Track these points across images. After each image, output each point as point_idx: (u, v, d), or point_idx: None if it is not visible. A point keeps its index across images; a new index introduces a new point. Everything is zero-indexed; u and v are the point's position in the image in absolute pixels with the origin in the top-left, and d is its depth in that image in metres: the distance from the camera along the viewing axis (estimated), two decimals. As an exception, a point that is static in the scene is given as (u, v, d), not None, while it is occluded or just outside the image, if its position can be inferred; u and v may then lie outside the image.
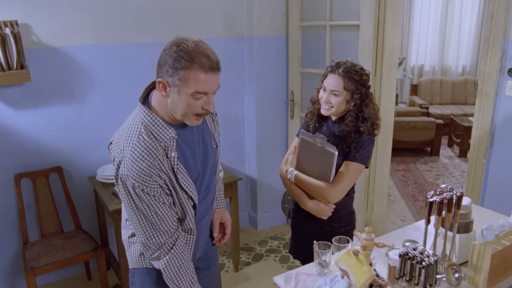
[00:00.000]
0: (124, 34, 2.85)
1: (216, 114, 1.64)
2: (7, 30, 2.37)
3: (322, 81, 1.86)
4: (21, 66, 2.44)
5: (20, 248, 2.79)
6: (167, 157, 1.35)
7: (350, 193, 1.94)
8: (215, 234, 1.76)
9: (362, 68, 1.81)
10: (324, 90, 1.84)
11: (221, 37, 3.25)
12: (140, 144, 1.32)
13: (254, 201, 3.68)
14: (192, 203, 1.47)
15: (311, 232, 1.97)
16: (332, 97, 1.81)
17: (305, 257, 1.98)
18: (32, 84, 2.62)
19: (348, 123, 1.81)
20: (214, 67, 1.30)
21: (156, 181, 1.33)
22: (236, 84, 3.43)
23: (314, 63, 3.29)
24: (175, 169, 1.37)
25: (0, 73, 2.36)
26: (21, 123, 2.67)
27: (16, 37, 2.40)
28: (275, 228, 3.74)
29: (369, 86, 1.84)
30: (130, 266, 1.59)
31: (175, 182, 1.39)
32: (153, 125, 1.35)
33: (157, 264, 1.44)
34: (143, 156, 1.31)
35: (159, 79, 1.31)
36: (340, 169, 1.82)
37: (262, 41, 3.30)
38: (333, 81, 1.80)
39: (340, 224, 1.93)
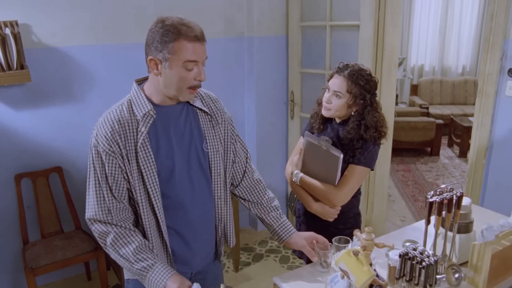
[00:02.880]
0: (124, 34, 2.85)
1: (213, 116, 1.53)
2: (7, 31, 2.37)
3: (327, 81, 1.84)
4: (21, 66, 2.44)
5: (20, 248, 2.79)
6: (137, 132, 1.37)
7: (357, 195, 1.93)
8: (314, 259, 1.60)
9: (370, 74, 1.78)
10: (328, 90, 1.82)
11: (221, 37, 3.25)
12: (116, 112, 1.39)
13: (254, 201, 3.68)
14: (147, 197, 1.40)
15: (316, 232, 1.97)
16: (333, 98, 1.79)
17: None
18: (32, 84, 2.62)
19: (349, 130, 1.78)
20: (200, 37, 1.34)
21: (113, 150, 1.35)
22: (236, 84, 3.43)
23: (314, 63, 3.29)
24: (139, 144, 1.36)
25: (0, 73, 2.36)
26: (21, 123, 2.67)
27: (16, 37, 2.40)
28: (275, 228, 3.73)
29: (375, 94, 1.81)
30: (126, 277, 1.57)
31: (134, 161, 1.37)
32: (136, 99, 1.41)
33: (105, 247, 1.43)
34: (112, 122, 1.37)
35: (150, 57, 1.36)
36: (345, 173, 1.81)
37: (262, 41, 3.30)
38: (337, 82, 1.78)
39: (345, 226, 1.91)
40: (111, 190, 1.38)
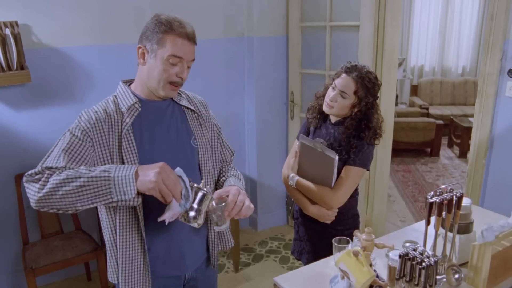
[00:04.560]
0: (124, 34, 2.85)
1: (200, 115, 1.54)
2: (7, 31, 2.37)
3: (334, 79, 1.83)
4: (21, 67, 2.44)
5: (20, 249, 2.79)
6: (121, 123, 1.37)
7: (354, 196, 1.93)
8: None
9: (376, 78, 1.80)
10: (334, 88, 1.82)
11: (221, 38, 3.25)
12: (102, 104, 1.41)
13: (254, 202, 3.68)
14: None
15: (314, 234, 1.96)
16: (339, 97, 1.79)
17: (308, 258, 1.98)
18: (32, 84, 2.62)
19: (348, 126, 1.79)
20: (190, 36, 1.37)
21: (91, 130, 1.32)
22: (236, 85, 3.43)
23: (314, 64, 3.29)
24: (123, 135, 1.35)
25: (0, 73, 2.36)
26: (21, 123, 2.67)
27: (16, 38, 2.40)
28: (275, 229, 3.74)
29: (377, 97, 1.83)
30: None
31: (116, 151, 1.35)
32: (121, 94, 1.43)
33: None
34: (98, 109, 1.38)
35: (139, 45, 1.38)
36: (341, 174, 1.81)
37: (262, 42, 3.31)
38: (345, 82, 1.78)
39: (344, 227, 1.91)
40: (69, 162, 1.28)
